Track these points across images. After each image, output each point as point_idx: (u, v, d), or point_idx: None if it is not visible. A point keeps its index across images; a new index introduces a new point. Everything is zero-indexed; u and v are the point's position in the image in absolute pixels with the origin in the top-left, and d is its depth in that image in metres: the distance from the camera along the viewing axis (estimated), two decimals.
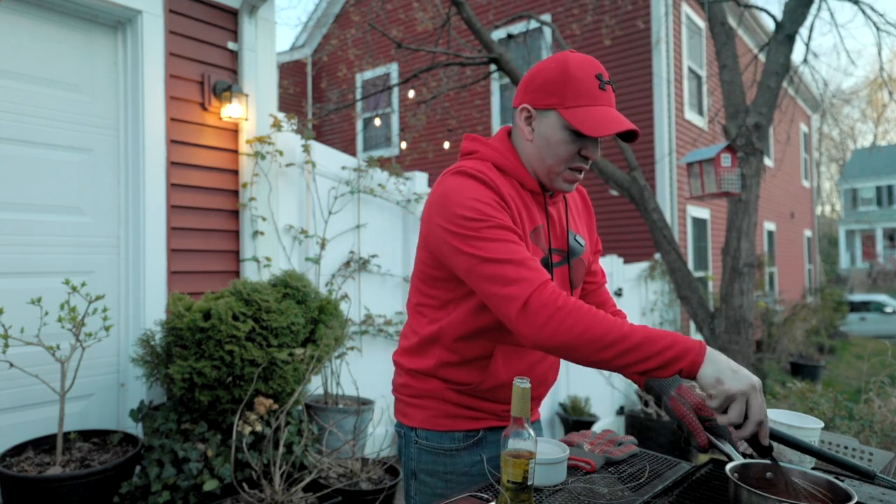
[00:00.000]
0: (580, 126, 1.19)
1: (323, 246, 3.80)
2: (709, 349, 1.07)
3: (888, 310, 16.17)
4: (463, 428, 1.32)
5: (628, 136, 1.25)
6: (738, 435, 1.06)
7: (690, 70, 8.72)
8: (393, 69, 10.49)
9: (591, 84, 1.21)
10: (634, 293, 6.73)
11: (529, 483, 1.04)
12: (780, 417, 1.34)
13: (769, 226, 11.70)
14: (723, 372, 1.04)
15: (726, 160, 4.13)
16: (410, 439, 1.36)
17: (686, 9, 8.54)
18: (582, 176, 1.28)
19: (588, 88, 1.20)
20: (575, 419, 5.34)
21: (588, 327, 1.07)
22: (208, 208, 3.52)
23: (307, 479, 2.68)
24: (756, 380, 1.04)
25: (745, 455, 1.15)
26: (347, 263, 3.98)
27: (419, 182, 4.52)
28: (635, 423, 6.04)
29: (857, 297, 17.32)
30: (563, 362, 4.89)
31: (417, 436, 1.35)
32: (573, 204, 1.46)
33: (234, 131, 3.65)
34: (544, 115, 1.25)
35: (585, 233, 1.46)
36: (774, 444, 1.13)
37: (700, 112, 8.99)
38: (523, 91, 1.28)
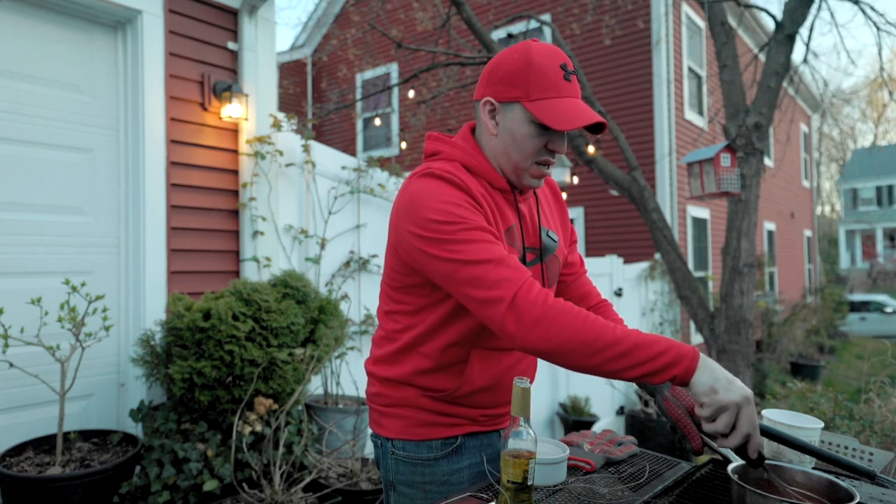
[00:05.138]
0: (547, 120, 1.14)
1: (323, 246, 3.80)
2: (702, 356, 1.04)
3: (888, 310, 16.17)
4: (440, 436, 1.28)
5: (596, 128, 1.20)
6: (725, 444, 1.04)
7: (690, 70, 8.72)
8: (393, 69, 10.49)
9: (555, 75, 1.16)
10: (634, 293, 6.73)
11: (529, 483, 1.04)
12: (780, 417, 1.34)
13: (769, 226, 11.70)
14: (718, 381, 1.01)
15: (726, 160, 4.12)
16: (387, 450, 1.31)
17: (686, 9, 8.54)
18: (549, 170, 1.24)
19: (553, 80, 1.16)
20: (575, 419, 5.34)
21: (579, 330, 1.03)
22: (208, 208, 3.52)
23: (307, 479, 2.68)
24: (749, 392, 1.02)
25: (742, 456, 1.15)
26: (347, 263, 3.98)
27: None
28: (635, 423, 6.04)
29: (857, 297, 17.32)
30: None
31: (394, 446, 1.29)
32: (543, 198, 1.41)
33: (234, 131, 3.65)
34: (508, 108, 1.20)
35: (558, 226, 1.41)
36: (776, 445, 1.13)
37: (700, 112, 8.99)
38: (485, 83, 1.22)
